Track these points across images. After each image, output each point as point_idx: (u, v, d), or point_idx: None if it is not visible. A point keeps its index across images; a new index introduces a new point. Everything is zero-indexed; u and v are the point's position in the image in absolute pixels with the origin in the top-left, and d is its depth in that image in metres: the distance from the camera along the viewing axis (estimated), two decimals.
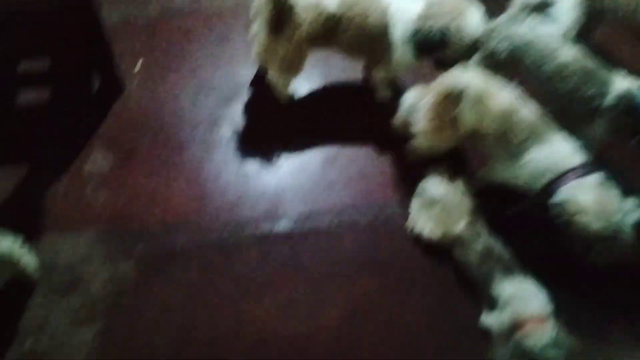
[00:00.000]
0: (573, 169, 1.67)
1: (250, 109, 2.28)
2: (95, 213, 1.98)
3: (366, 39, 1.97)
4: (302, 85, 2.34)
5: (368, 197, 2.08)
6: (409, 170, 2.10)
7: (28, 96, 2.26)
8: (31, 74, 2.30)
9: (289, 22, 1.87)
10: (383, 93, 2.27)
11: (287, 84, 2.21)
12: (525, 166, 1.75)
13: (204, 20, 2.52)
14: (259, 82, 2.34)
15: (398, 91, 2.29)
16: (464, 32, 1.79)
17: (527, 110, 1.76)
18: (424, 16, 1.85)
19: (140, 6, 2.54)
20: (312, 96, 2.35)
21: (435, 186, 1.92)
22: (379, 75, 2.18)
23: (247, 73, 2.36)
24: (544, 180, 1.71)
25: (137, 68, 2.34)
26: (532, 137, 1.73)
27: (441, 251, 1.90)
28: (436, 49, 1.86)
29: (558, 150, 1.72)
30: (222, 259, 1.90)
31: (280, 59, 2.02)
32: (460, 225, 1.82)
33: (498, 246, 1.78)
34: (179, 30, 2.47)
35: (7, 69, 2.28)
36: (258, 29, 1.96)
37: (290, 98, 2.28)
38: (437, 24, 1.82)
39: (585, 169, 1.67)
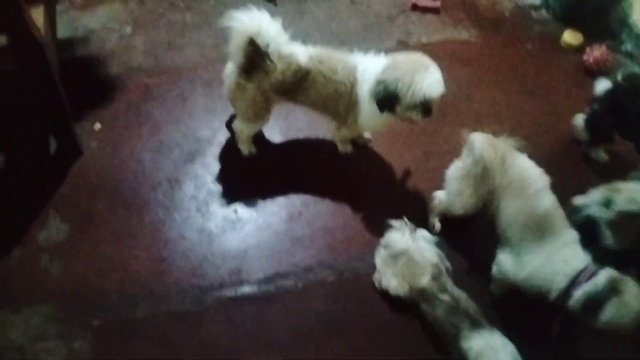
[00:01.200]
0: (584, 269, 1.65)
1: (212, 165, 2.25)
2: (50, 286, 1.88)
3: (332, 96, 1.97)
4: (266, 137, 2.32)
5: (333, 252, 2.04)
6: (373, 223, 2.09)
7: None
8: None
9: (260, 67, 1.87)
10: (344, 148, 2.28)
11: (250, 134, 2.20)
12: (532, 262, 1.72)
13: (163, 78, 2.49)
14: (221, 138, 2.33)
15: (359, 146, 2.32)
16: (415, 88, 1.79)
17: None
18: (384, 70, 1.87)
19: (100, 65, 2.50)
20: (276, 150, 2.33)
21: (398, 238, 1.90)
22: (342, 133, 2.19)
23: (208, 130, 2.34)
24: (560, 284, 1.66)
25: (96, 128, 2.29)
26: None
27: (409, 306, 1.87)
28: (390, 103, 1.86)
29: (569, 247, 1.72)
30: (185, 328, 1.82)
31: (246, 103, 2.01)
32: (425, 279, 1.79)
33: (464, 299, 1.76)
34: (138, 89, 2.44)
35: None
36: (230, 69, 1.97)
37: (252, 151, 2.27)
38: (392, 77, 1.83)
39: (595, 268, 1.65)
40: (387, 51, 2.79)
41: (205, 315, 1.87)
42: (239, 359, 1.79)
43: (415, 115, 1.88)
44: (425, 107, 1.85)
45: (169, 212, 2.09)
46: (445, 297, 1.74)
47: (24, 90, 1.96)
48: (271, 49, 1.83)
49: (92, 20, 2.67)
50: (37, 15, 1.82)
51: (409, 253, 1.84)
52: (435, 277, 1.78)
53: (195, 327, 1.84)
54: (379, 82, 1.86)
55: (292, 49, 1.91)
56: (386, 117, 1.95)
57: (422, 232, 1.91)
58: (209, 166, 2.24)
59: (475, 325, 1.69)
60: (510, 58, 2.91)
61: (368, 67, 1.93)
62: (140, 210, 2.09)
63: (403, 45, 2.84)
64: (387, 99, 1.85)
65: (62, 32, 2.53)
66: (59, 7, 2.61)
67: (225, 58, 1.98)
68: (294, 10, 2.91)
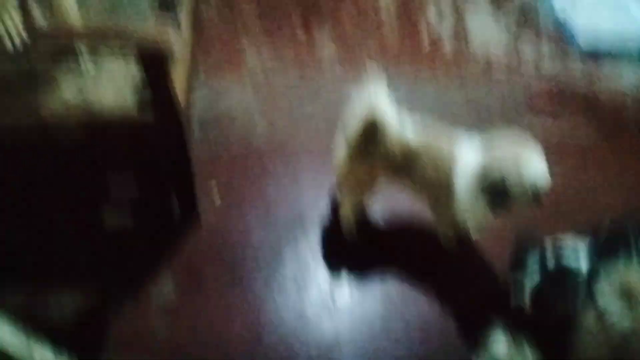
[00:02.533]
0: None
1: (315, 246, 2.32)
2: (153, 343, 2.00)
3: (434, 179, 1.98)
4: (372, 222, 2.39)
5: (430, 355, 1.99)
6: (472, 319, 2.01)
7: (108, 218, 2.42)
8: (116, 198, 2.49)
9: (371, 145, 1.95)
10: (448, 243, 2.25)
11: (355, 211, 2.27)
12: None
13: (280, 158, 2.66)
14: (328, 220, 2.41)
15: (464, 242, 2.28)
16: (524, 179, 1.74)
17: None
18: (485, 156, 1.84)
19: (225, 144, 2.74)
20: (380, 235, 2.38)
21: (500, 347, 1.81)
22: (441, 224, 2.18)
23: (316, 211, 2.44)
24: None
25: (215, 200, 2.48)
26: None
27: None
28: (501, 198, 1.81)
29: None
30: None
31: (354, 180, 2.11)
32: None
33: None
34: (257, 167, 2.62)
35: (94, 190, 2.48)
36: (341, 145, 2.07)
37: (354, 232, 2.32)
38: (497, 172, 1.78)
39: None
40: None
41: None
42: None
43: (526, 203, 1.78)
44: (536, 197, 1.77)
45: (270, 292, 2.17)
46: None
47: (162, 162, 2.19)
48: (383, 129, 1.90)
49: (225, 102, 2.95)
50: (180, 94, 2.04)
51: None
52: None
53: None
54: (484, 180, 1.81)
55: (405, 132, 1.97)
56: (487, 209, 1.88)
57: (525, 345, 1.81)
58: (313, 247, 2.31)
59: None
60: (636, 163, 2.74)
61: (468, 152, 1.90)
62: (245, 285, 2.19)
63: None
64: (496, 192, 1.79)
65: (198, 110, 2.82)
66: (199, 91, 2.93)
67: (338, 135, 2.09)
68: (407, 92, 2.99)
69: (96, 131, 1.95)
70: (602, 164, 2.72)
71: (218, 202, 2.47)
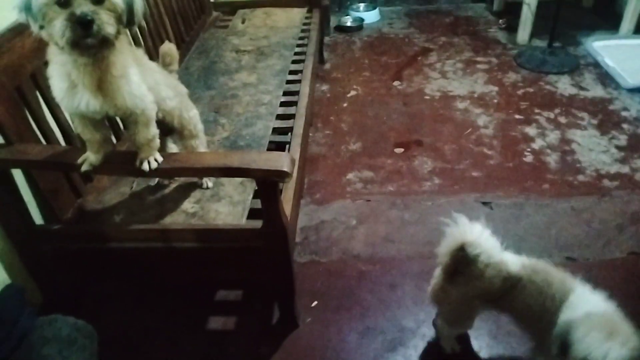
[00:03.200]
0: None
1: (413, 358, 2.22)
2: None
3: (538, 309, 1.82)
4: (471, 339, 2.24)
5: None
6: None
7: (214, 320, 2.54)
8: (222, 301, 2.64)
9: (467, 272, 1.88)
10: None
11: (452, 336, 2.15)
12: None
13: (378, 267, 2.69)
14: (425, 331, 2.32)
15: None
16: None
17: None
18: (582, 322, 1.66)
19: (325, 250, 2.85)
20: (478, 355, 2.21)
21: None
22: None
23: (413, 322, 2.37)
24: None
25: (313, 305, 2.53)
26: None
27: None
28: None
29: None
30: None
31: (450, 307, 2.03)
32: None
33: None
34: (354, 274, 2.67)
35: (203, 295, 2.65)
36: (438, 271, 2.04)
37: (455, 348, 2.19)
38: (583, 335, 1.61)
39: None
40: (616, 262, 2.61)
41: None
42: None
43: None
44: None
45: None
46: None
47: (266, 267, 2.33)
48: (481, 258, 1.83)
49: (326, 213, 3.12)
50: (287, 206, 2.24)
51: None
52: None
53: None
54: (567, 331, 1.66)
55: (503, 257, 1.89)
56: None
57: None
58: (410, 358, 2.22)
59: None
60: None
61: (583, 300, 1.75)
62: None
63: (636, 257, 2.59)
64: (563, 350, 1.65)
65: (301, 220, 3.01)
66: (303, 201, 3.15)
67: (437, 255, 2.08)
68: (510, 215, 2.96)
69: (210, 237, 2.18)
70: None
71: (315, 304, 2.51)
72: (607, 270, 2.55)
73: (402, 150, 3.66)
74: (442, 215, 1.92)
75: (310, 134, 3.81)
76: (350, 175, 3.43)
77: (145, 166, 1.84)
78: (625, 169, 3.31)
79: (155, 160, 1.86)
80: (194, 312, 2.54)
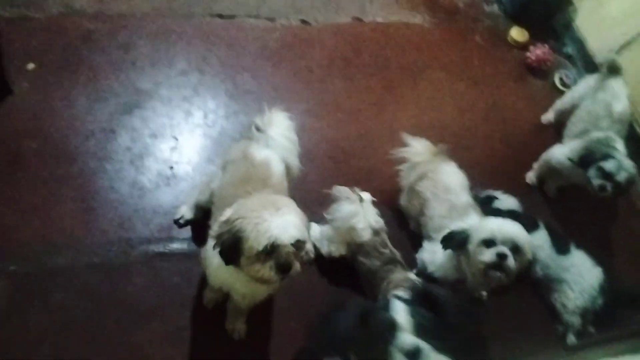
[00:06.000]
0: None
1: (151, 119, 2.18)
2: None
3: None
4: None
5: None
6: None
7: None
8: None
9: None
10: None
11: None
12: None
13: (107, 24, 2.37)
14: (164, 91, 2.26)
15: None
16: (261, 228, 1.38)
17: None
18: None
19: (39, 4, 2.35)
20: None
21: (347, 207, 1.93)
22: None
23: (150, 83, 2.27)
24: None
25: (29, 67, 2.17)
26: None
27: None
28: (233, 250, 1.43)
29: None
30: (108, 280, 1.78)
31: None
32: (367, 234, 1.86)
33: (399, 254, 1.88)
34: (78, 32, 2.31)
35: None
36: None
37: None
38: (235, 215, 1.43)
39: None
40: (342, 27, 2.83)
41: (130, 268, 1.83)
42: (163, 315, 1.78)
43: (267, 271, 1.37)
44: (278, 258, 1.37)
45: (100, 162, 2.02)
46: (386, 250, 1.85)
47: None
48: None
49: None
50: None
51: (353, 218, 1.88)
52: (376, 234, 1.87)
53: (119, 280, 1.80)
54: (221, 224, 1.44)
55: None
56: (235, 272, 1.47)
57: (367, 196, 1.95)
58: (148, 119, 2.18)
59: (404, 268, 1.84)
60: (459, 47, 2.99)
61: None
62: (70, 157, 2.01)
63: (358, 22, 2.86)
64: (228, 246, 1.39)
65: None
66: None
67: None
68: None
69: None
70: None
71: (31, 66, 2.16)
72: (334, 34, 2.77)
73: None
74: None
75: None
76: None
77: None
78: None
79: None
80: None
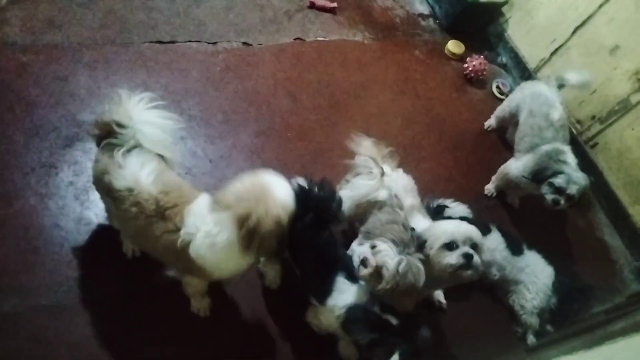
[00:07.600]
0: None
1: (94, 151, 2.08)
2: None
3: None
4: None
5: None
6: None
7: None
8: None
9: None
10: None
11: None
12: None
13: (42, 56, 2.28)
14: None
15: None
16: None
17: None
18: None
19: None
20: None
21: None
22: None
23: (91, 114, 2.18)
24: None
25: None
26: None
27: None
28: None
29: None
30: (58, 323, 1.69)
31: None
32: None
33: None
34: (12, 66, 2.21)
35: None
36: None
37: None
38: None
39: None
40: (285, 47, 2.85)
41: (81, 309, 1.75)
42: (118, 357, 1.70)
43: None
44: None
45: (42, 200, 1.92)
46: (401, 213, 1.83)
47: None
48: None
49: None
50: None
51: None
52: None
53: (70, 322, 1.71)
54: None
55: None
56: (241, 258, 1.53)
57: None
58: (90, 152, 2.09)
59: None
60: (400, 61, 3.08)
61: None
62: (10, 196, 1.90)
63: (300, 41, 2.89)
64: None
65: None
66: None
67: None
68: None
69: None
70: None
71: None
72: (277, 54, 2.79)
73: None
74: None
75: None
76: None
77: None
78: None
79: None
80: None
